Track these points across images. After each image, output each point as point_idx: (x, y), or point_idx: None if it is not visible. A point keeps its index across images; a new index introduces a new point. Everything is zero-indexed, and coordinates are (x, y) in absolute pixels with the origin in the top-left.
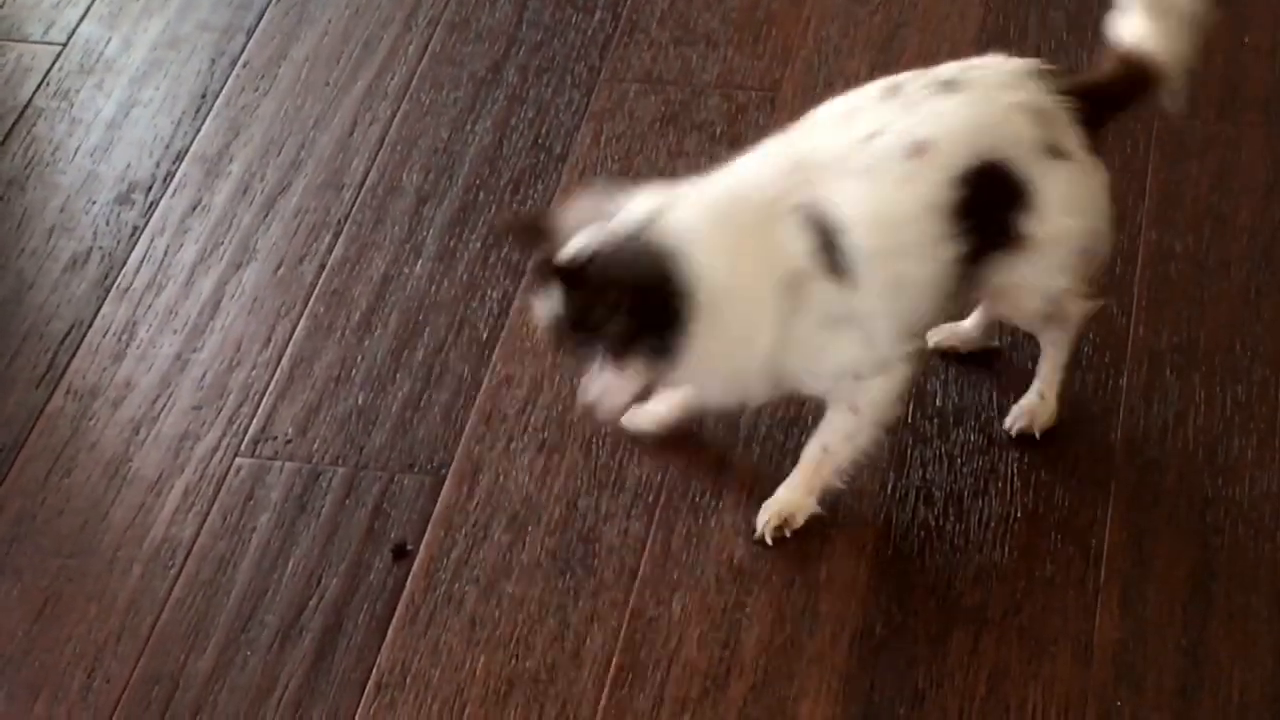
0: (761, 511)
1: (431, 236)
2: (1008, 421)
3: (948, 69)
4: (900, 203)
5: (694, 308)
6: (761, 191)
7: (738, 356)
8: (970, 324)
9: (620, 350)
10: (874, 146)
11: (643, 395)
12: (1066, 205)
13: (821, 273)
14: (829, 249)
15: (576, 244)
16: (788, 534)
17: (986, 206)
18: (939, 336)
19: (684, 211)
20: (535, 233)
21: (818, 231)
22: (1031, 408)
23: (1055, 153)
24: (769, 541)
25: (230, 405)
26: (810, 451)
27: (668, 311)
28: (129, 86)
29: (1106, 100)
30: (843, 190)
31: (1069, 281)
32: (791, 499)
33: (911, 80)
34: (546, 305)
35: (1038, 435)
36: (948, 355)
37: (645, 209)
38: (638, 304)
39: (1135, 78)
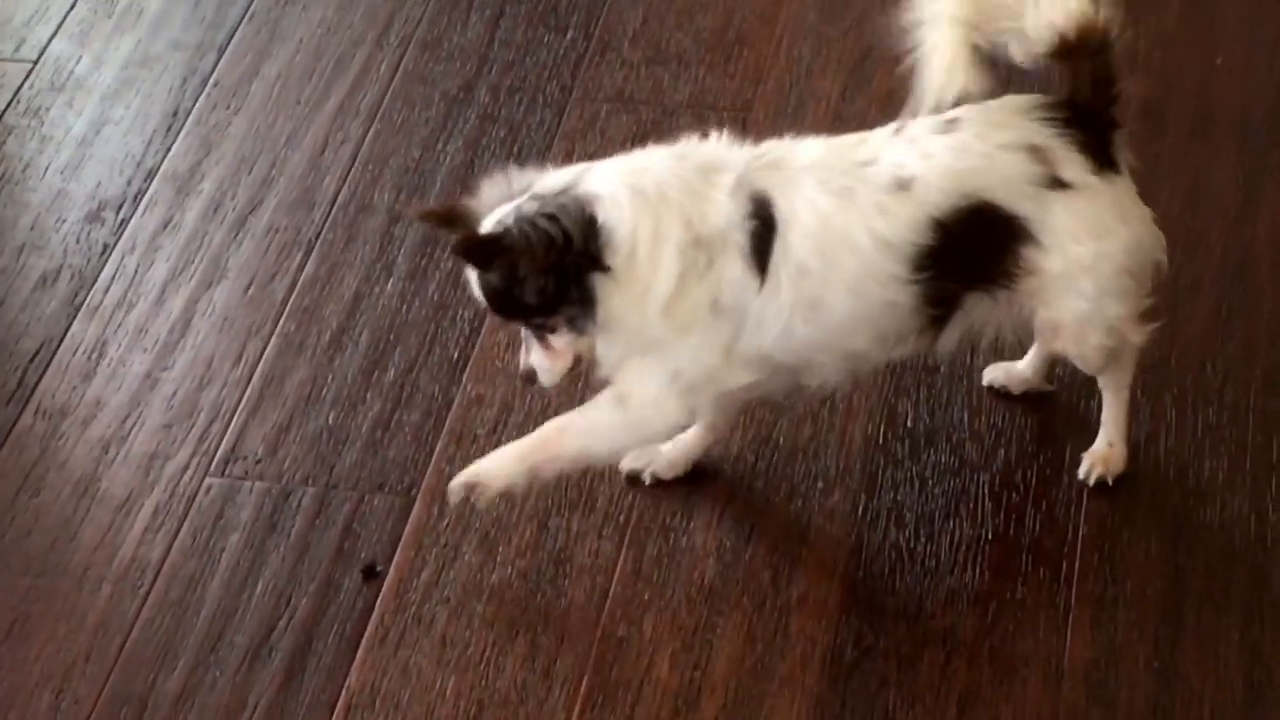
0: (463, 473)
1: (403, 256)
2: (1081, 471)
3: (957, 109)
4: (857, 231)
5: (607, 258)
6: (710, 161)
7: (638, 311)
8: (1025, 365)
9: (548, 315)
10: (865, 172)
11: (576, 365)
12: (1079, 233)
13: (739, 254)
14: (759, 239)
15: (490, 221)
16: (476, 502)
17: (971, 248)
18: (993, 375)
19: (603, 171)
20: (451, 219)
21: (755, 216)
22: (1103, 455)
23: (1056, 185)
24: (450, 496)
25: (200, 424)
26: (546, 428)
27: (582, 265)
28: (100, 104)
29: (1091, 104)
30: (807, 196)
31: (1125, 307)
32: (495, 465)
33: (920, 121)
34: (473, 285)
35: (1110, 482)
36: (921, 376)
37: (564, 178)
38: (552, 263)
39: (1086, 57)
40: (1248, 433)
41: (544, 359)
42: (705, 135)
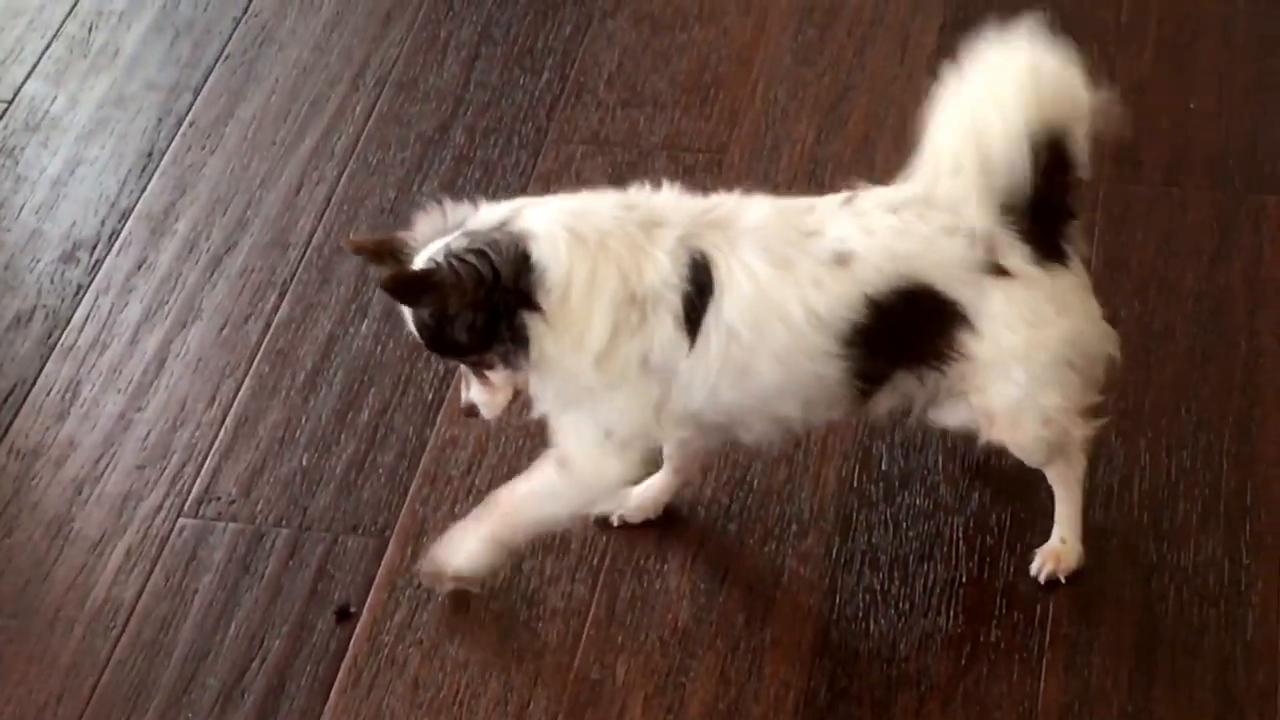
0: (426, 559)
1: (377, 297)
2: (1033, 568)
3: (904, 189)
4: (791, 303)
5: (540, 298)
6: (656, 215)
7: (572, 357)
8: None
9: (480, 352)
10: (807, 242)
11: (517, 397)
12: (1013, 321)
13: (671, 315)
14: (692, 301)
15: (422, 257)
16: (438, 593)
17: (904, 329)
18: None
19: (542, 210)
20: (383, 252)
21: (691, 278)
22: (1054, 552)
23: (995, 271)
24: (431, 588)
25: (174, 465)
26: (497, 500)
27: (512, 303)
28: (75, 144)
29: (1043, 193)
30: (746, 261)
31: (1062, 399)
32: (466, 556)
33: (871, 194)
34: (408, 322)
35: (1063, 580)
36: (896, 419)
37: (500, 214)
38: (481, 299)
39: (1041, 148)
40: (1221, 477)
41: (483, 394)
42: (658, 185)
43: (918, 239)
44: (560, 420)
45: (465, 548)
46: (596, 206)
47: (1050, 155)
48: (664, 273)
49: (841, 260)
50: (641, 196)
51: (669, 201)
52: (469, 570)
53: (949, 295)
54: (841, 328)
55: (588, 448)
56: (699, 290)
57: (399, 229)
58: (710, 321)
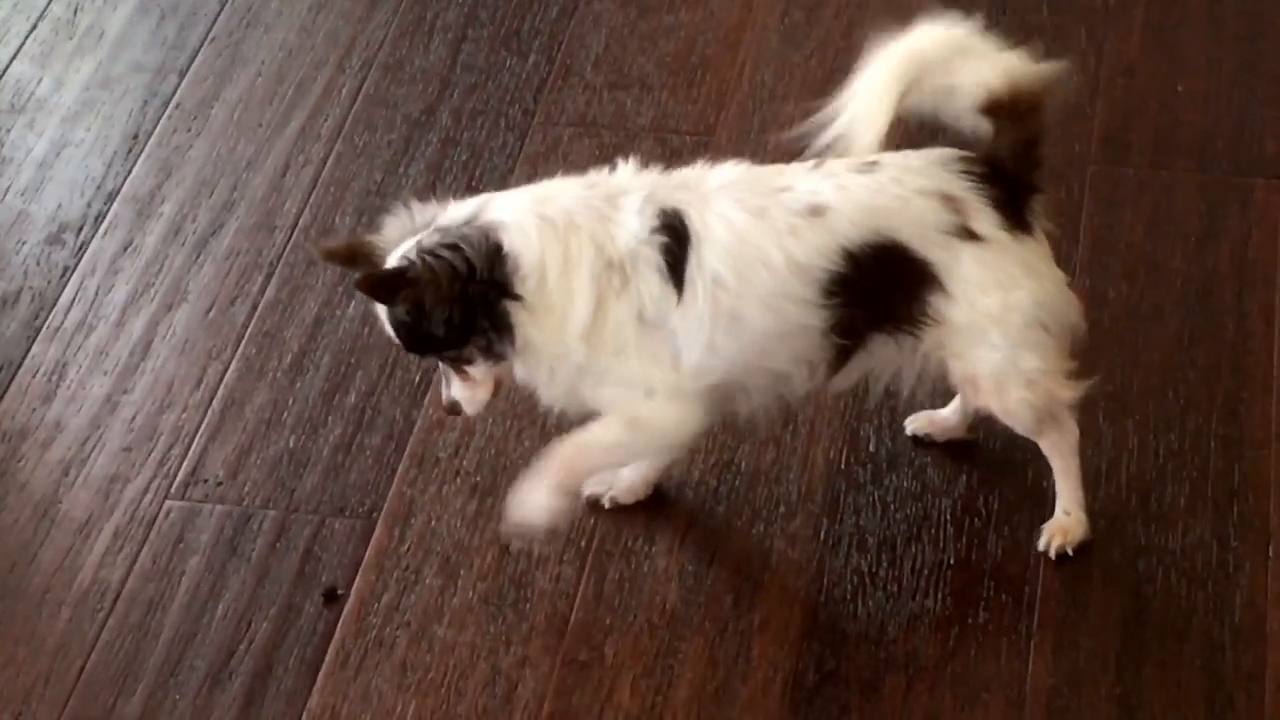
0: (513, 509)
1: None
2: (1040, 543)
3: (878, 154)
4: (771, 248)
5: (517, 286)
6: (617, 186)
7: (557, 339)
8: (949, 412)
9: (459, 347)
10: (779, 196)
11: (497, 391)
12: (986, 284)
13: (654, 269)
14: (672, 251)
15: (394, 256)
16: (535, 546)
17: (879, 285)
18: (916, 424)
19: (509, 201)
20: (354, 256)
21: (665, 231)
22: (1060, 526)
23: (965, 235)
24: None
25: (160, 447)
26: (562, 452)
27: (490, 294)
28: (61, 126)
29: (1012, 166)
30: (720, 212)
31: (1041, 360)
32: (539, 499)
33: (838, 160)
34: (384, 324)
35: (1071, 552)
36: (884, 401)
37: (468, 209)
38: (457, 293)
39: (1014, 118)
40: (1209, 459)
41: (464, 390)
42: (614, 166)
43: (891, 197)
44: (601, 397)
45: (534, 498)
46: (558, 190)
47: (1019, 128)
48: (634, 230)
49: (816, 211)
50: (601, 176)
51: (629, 175)
52: (539, 522)
53: (921, 255)
54: (820, 277)
55: (642, 403)
56: (676, 240)
57: (369, 232)
58: (694, 270)
